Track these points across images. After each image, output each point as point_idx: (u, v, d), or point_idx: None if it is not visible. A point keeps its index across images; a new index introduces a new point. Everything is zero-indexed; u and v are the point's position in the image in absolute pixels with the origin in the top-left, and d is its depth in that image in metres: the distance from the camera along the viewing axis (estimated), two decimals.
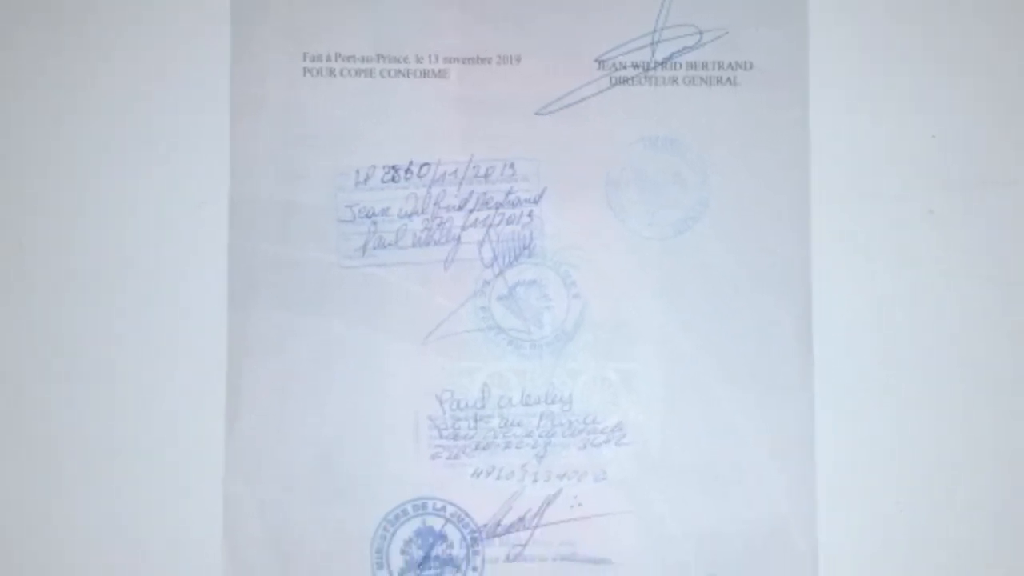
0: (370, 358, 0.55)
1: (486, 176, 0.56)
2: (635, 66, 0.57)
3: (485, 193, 0.56)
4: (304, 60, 0.56)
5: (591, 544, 0.55)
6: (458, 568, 0.55)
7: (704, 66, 0.57)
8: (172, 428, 0.55)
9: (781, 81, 0.57)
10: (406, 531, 0.55)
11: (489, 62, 0.57)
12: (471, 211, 0.56)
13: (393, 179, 0.56)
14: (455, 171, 0.56)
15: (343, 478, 0.55)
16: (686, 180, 0.57)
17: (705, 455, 0.55)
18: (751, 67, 0.57)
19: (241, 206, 0.56)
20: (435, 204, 0.56)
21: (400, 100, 0.56)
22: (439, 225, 0.56)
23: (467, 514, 0.55)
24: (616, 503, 0.55)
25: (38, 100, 0.56)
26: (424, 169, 0.56)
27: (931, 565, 0.56)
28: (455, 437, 0.55)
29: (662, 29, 0.57)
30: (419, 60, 0.56)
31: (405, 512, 0.55)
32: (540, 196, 0.56)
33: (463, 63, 0.57)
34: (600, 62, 0.57)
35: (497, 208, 0.56)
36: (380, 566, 0.55)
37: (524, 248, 0.56)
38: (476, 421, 0.55)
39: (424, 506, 0.55)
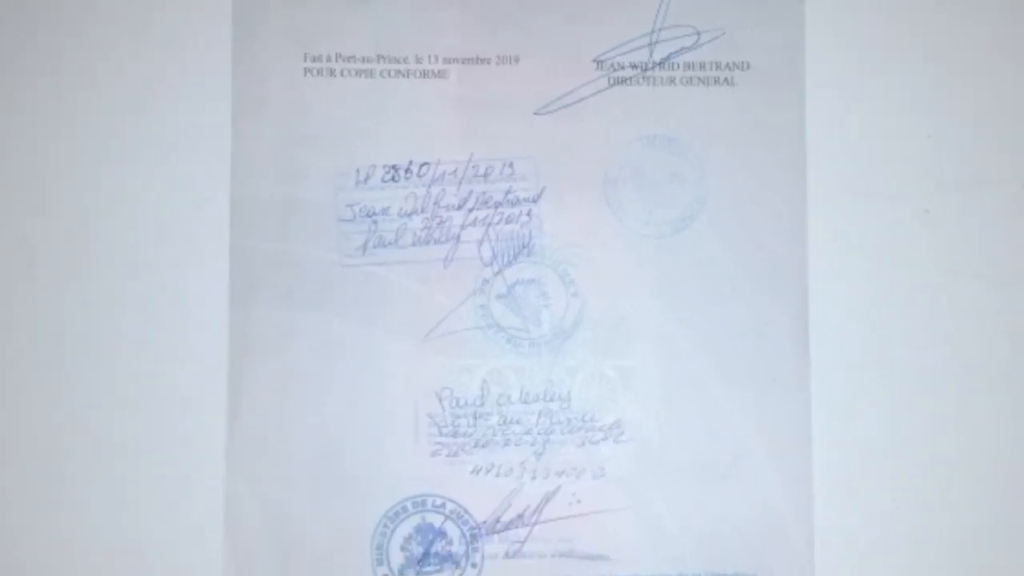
0: (370, 356, 0.55)
1: (485, 175, 0.57)
2: (633, 66, 0.57)
3: (484, 192, 0.56)
4: (305, 60, 0.56)
5: (589, 540, 0.55)
6: (457, 564, 0.55)
7: (701, 66, 0.57)
8: (174, 426, 0.55)
9: (778, 81, 0.57)
10: (406, 528, 0.55)
11: (488, 62, 0.57)
12: (470, 210, 0.56)
13: (393, 178, 0.56)
14: (455, 170, 0.56)
15: (343, 475, 0.55)
16: (684, 179, 0.57)
17: (702, 452, 0.56)
18: (748, 67, 0.57)
19: (242, 205, 0.56)
20: (435, 203, 0.56)
21: (400, 100, 0.56)
22: (439, 224, 0.56)
23: (466, 511, 0.55)
24: (614, 500, 0.55)
25: (41, 100, 0.56)
26: (424, 168, 0.56)
27: (926, 561, 0.56)
28: (455, 434, 0.55)
29: (660, 30, 0.57)
30: (419, 60, 0.57)
31: (405, 509, 0.55)
32: (539, 195, 0.57)
33: (463, 63, 0.57)
34: (598, 62, 0.57)
35: (496, 207, 0.56)
36: (380, 562, 0.55)
37: (523, 247, 0.56)
38: (475, 419, 0.56)
39: (424, 503, 0.55)
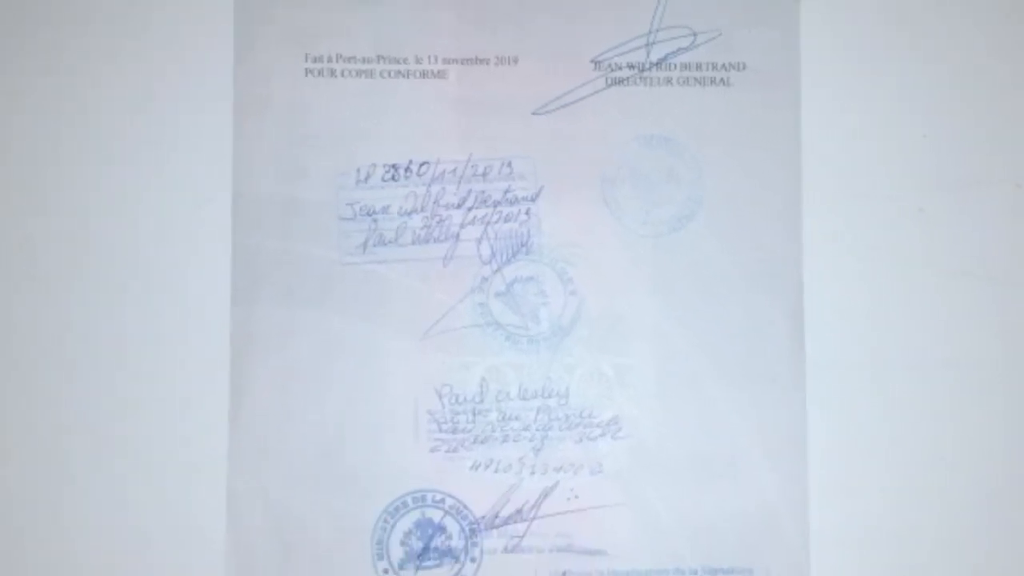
0: (370, 353, 0.56)
1: (484, 175, 0.57)
2: (630, 67, 0.57)
3: (483, 191, 0.57)
4: (306, 61, 0.57)
5: (587, 535, 0.55)
6: (457, 559, 0.55)
7: (698, 67, 0.57)
8: (177, 422, 0.55)
9: (774, 81, 0.57)
10: (406, 523, 0.55)
11: (487, 63, 0.57)
12: (470, 209, 0.57)
13: (393, 178, 0.57)
14: (454, 170, 0.57)
15: (344, 471, 0.55)
16: (680, 178, 0.57)
17: (699, 449, 0.56)
18: (744, 68, 0.57)
19: (244, 204, 0.56)
20: (434, 202, 0.57)
21: (400, 100, 0.57)
22: (438, 223, 0.56)
23: (466, 506, 0.55)
24: (612, 495, 0.56)
25: (42, 100, 0.56)
26: (424, 168, 0.57)
27: (920, 557, 0.56)
28: (454, 431, 0.56)
29: (657, 31, 0.57)
30: (419, 61, 0.57)
31: (405, 504, 0.55)
32: (537, 194, 0.57)
33: (462, 64, 0.57)
34: (596, 63, 0.57)
35: (495, 206, 0.57)
36: (380, 557, 0.55)
37: (522, 245, 0.57)
38: (474, 415, 0.56)
39: (423, 498, 0.55)
